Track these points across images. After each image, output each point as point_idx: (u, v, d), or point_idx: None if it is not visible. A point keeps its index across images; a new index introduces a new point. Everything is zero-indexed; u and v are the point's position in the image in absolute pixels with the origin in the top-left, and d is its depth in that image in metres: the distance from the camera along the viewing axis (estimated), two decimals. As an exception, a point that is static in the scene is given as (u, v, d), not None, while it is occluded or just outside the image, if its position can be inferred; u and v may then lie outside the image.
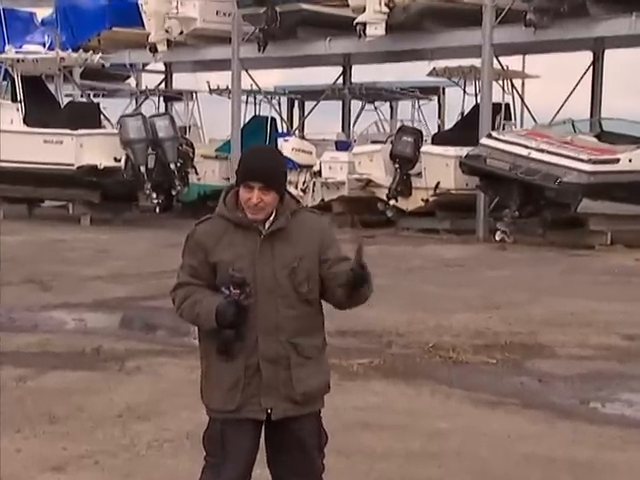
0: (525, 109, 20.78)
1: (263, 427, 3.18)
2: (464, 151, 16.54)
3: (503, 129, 17.71)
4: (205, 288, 3.13)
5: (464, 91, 19.63)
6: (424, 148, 17.82)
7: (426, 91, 23.15)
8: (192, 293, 3.14)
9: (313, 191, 19.15)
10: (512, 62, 19.68)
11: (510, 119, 18.77)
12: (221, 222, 3.12)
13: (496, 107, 17.91)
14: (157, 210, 19.65)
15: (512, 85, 19.23)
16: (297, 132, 23.00)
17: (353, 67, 23.76)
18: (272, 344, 3.08)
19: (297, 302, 3.10)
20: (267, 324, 3.07)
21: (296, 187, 18.93)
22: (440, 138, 18.60)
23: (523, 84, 22.07)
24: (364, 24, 18.40)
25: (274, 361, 3.09)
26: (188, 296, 3.15)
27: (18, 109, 18.86)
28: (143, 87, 25.24)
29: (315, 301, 3.15)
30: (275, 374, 3.10)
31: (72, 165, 17.97)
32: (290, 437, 3.17)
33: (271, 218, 3.10)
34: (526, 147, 15.60)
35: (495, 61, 18.08)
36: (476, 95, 19.00)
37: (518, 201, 15.81)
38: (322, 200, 19.00)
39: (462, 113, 19.56)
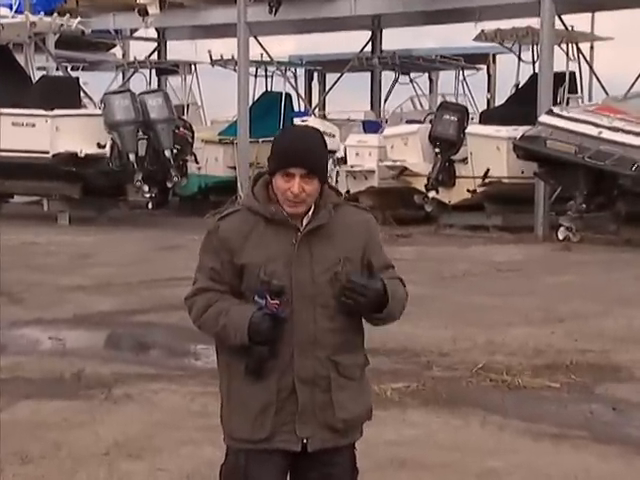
0: (594, 79, 20.70)
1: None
2: (519, 131, 16.50)
3: (567, 104, 17.65)
4: (229, 295, 3.16)
5: (519, 58, 19.60)
6: (470, 128, 17.80)
7: (473, 59, 23.12)
8: (215, 301, 3.15)
9: (337, 181, 19.17)
10: (578, 21, 19.64)
11: (576, 91, 18.72)
12: (249, 216, 3.15)
13: (558, 77, 17.85)
14: (149, 206, 19.74)
15: (578, 50, 19.16)
16: (317, 111, 23.05)
17: (384, 31, 23.78)
18: (309, 362, 3.11)
19: (337, 313, 3.13)
20: (304, 338, 3.10)
21: (316, 177, 18.95)
22: (490, 116, 18.57)
23: (592, 48, 21.97)
24: (397, -22, 18.43)
25: (311, 382, 3.12)
26: (210, 304, 3.16)
27: (-19, 86, 19.02)
28: (131, 58, 25.39)
29: (357, 312, 3.18)
30: (312, 397, 3.13)
31: (47, 153, 18.09)
32: (322, 471, 3.21)
33: (309, 213, 3.14)
34: (596, 125, 15.54)
35: (557, 21, 18.02)
36: (534, 63, 18.95)
37: (586, 191, 15.75)
38: (347, 192, 18.99)
39: (517, 85, 19.52)
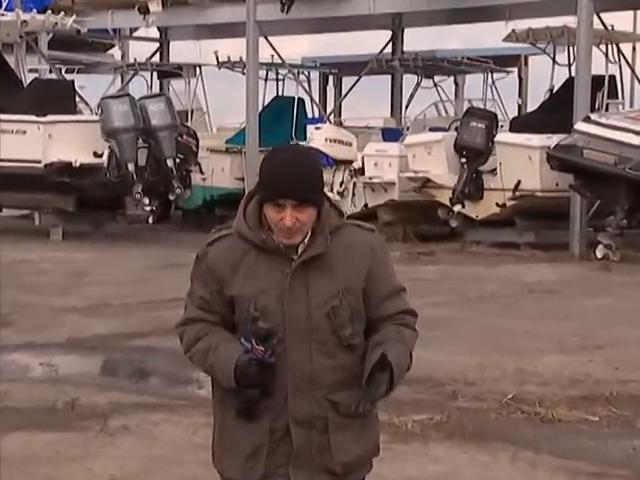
0: (636, 82, 20.66)
1: None
2: (553, 140, 16.47)
3: (606, 110, 17.63)
4: (220, 327, 3.18)
5: (553, 60, 19.58)
6: (500, 137, 17.79)
7: (502, 61, 23.14)
8: (205, 334, 3.18)
9: (354, 194, 19.19)
10: (619, 20, 19.60)
11: (616, 96, 18.69)
12: (239, 243, 3.14)
13: (597, 81, 17.84)
14: (150, 220, 19.80)
15: (619, 51, 19.15)
16: (332, 117, 23.09)
17: (405, 31, 23.81)
18: (305, 402, 3.11)
19: (337, 348, 3.12)
20: (299, 377, 3.10)
21: (331, 189, 18.98)
22: (521, 123, 18.56)
23: (634, 49, 21.93)
24: (420, -26, 18.50)
25: (308, 423, 3.12)
26: (200, 337, 3.19)
27: (-32, 90, 19.12)
28: (131, 60, 25.49)
29: (360, 346, 3.16)
30: (308, 440, 3.13)
31: (39, 162, 18.14)
32: None
33: (305, 240, 3.10)
34: (638, 134, 15.51)
35: (596, 19, 18.01)
36: (570, 65, 18.93)
37: (627, 205, 15.70)
38: (365, 206, 19.03)
39: (551, 90, 19.50)
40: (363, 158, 19.21)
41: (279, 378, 3.08)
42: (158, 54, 25.92)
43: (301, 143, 17.96)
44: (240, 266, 3.12)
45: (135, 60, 24.35)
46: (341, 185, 19.28)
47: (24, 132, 18.37)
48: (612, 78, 18.63)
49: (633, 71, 20.66)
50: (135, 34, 27.12)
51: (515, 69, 24.60)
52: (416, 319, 3.26)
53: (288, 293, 3.08)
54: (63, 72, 23.36)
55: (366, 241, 3.20)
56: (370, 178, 18.89)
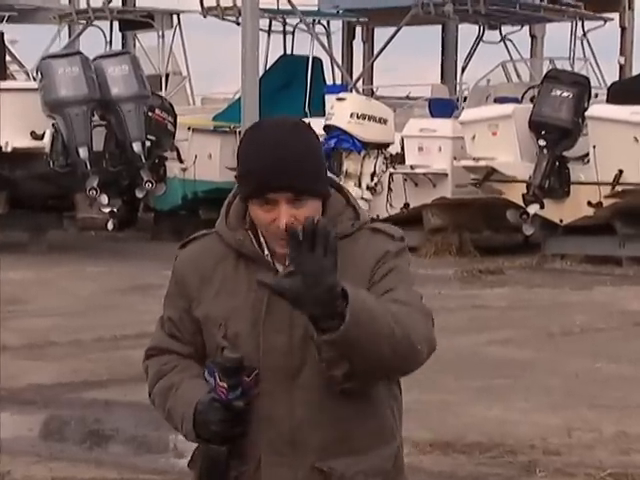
0: None
1: None
2: (668, 114, 16.49)
3: None
4: (192, 361, 3.18)
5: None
6: (593, 109, 17.79)
7: (598, 5, 23.13)
8: (169, 369, 3.21)
9: (390, 190, 19.19)
10: None
11: None
12: (217, 246, 3.16)
13: None
14: (110, 226, 19.80)
15: None
16: (360, 84, 23.11)
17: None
18: (285, 471, 3.09)
19: (328, 396, 3.07)
20: (276, 437, 3.08)
21: (359, 183, 18.98)
22: (624, 91, 18.55)
23: None
24: None
25: None
26: (163, 374, 3.22)
27: None
28: (82, 4, 25.60)
29: (358, 393, 3.09)
30: None
31: (-43, 147, 18.26)
32: None
33: None
34: None
35: None
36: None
37: None
38: (406, 206, 19.02)
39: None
40: (403, 140, 19.21)
41: (252, 436, 3.06)
42: (120, -3, 26.03)
43: (317, 119, 17.98)
44: (212, 277, 3.13)
45: (88, 4, 24.43)
46: (372, 177, 19.26)
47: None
48: None
49: None
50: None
51: (615, 15, 24.57)
52: (432, 324, 3.03)
53: (266, 317, 3.07)
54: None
55: (380, 248, 3.11)
56: (412, 168, 18.89)
